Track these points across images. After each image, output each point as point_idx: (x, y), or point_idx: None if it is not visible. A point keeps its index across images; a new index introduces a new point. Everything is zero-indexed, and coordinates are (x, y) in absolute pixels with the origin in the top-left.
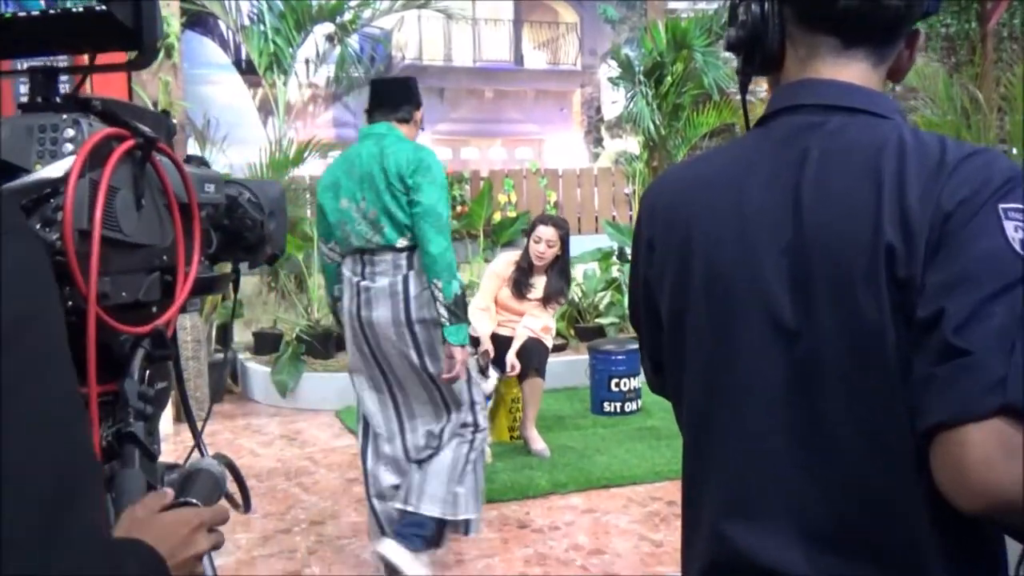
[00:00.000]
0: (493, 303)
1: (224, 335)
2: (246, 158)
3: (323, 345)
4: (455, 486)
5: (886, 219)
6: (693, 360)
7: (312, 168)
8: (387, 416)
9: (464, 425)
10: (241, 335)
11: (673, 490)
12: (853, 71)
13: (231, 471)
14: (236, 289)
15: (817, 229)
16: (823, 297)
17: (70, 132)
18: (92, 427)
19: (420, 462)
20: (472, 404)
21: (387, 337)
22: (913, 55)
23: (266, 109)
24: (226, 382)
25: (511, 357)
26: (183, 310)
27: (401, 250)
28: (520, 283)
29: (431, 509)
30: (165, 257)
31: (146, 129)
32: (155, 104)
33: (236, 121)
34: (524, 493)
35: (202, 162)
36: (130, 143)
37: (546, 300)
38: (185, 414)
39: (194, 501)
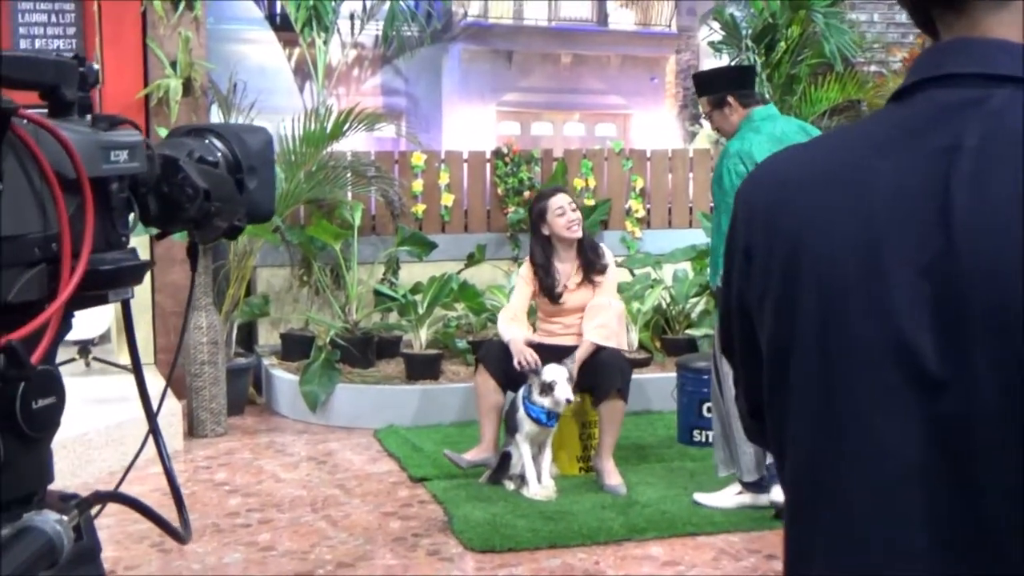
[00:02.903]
0: (524, 314)
1: (246, 336)
2: (278, 129)
3: (361, 352)
4: None
5: None
6: (800, 409)
7: (354, 143)
8: None
9: None
10: (267, 337)
11: (775, 541)
12: (1018, 21)
13: (139, 511)
14: (194, 265)
15: (973, 244)
16: (980, 336)
17: None
18: None
19: None
20: None
21: None
22: None
23: (303, 72)
24: (248, 391)
25: (571, 365)
26: (101, 302)
27: None
28: (550, 284)
29: None
30: (53, 246)
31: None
32: (173, 64)
33: (268, 86)
34: (594, 538)
35: (115, 123)
36: None
37: (588, 267)
38: (145, 412)
39: None
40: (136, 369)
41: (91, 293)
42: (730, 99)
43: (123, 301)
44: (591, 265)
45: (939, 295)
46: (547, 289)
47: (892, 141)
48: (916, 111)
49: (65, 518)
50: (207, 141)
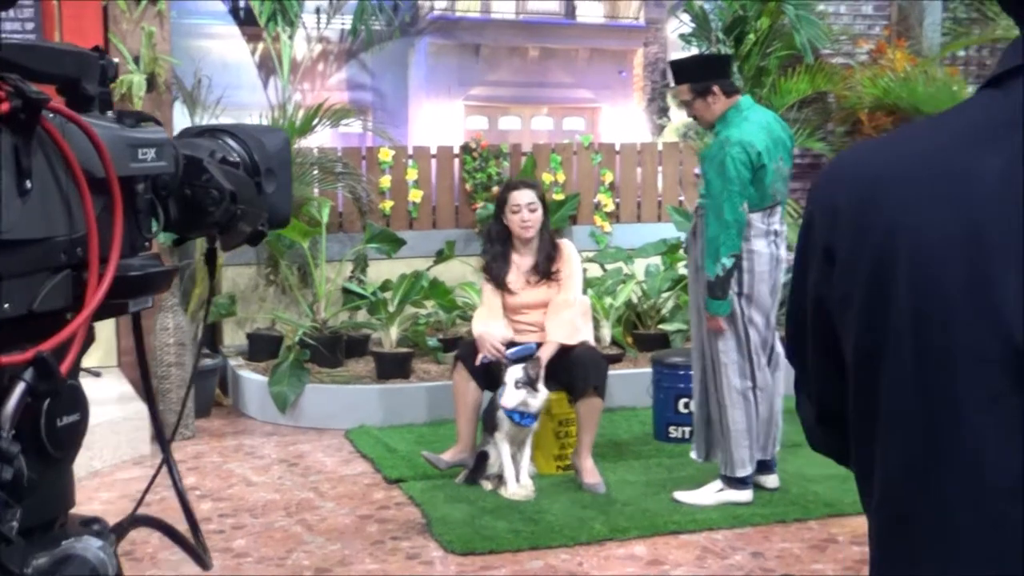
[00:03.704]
0: (499, 312)
1: (211, 337)
2: None
3: (331, 351)
4: None
5: None
6: (892, 423)
7: (320, 139)
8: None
9: None
10: (233, 337)
11: (759, 539)
12: None
13: (169, 536)
14: (213, 272)
15: None
16: None
17: None
18: None
19: None
20: None
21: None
22: None
23: (268, 67)
24: (215, 393)
25: (532, 368)
26: (121, 311)
27: None
28: (498, 272)
29: None
30: (79, 250)
31: (30, 88)
32: (136, 59)
33: (232, 81)
34: (575, 539)
35: (141, 119)
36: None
37: (543, 273)
38: (158, 438)
39: None
40: (148, 393)
41: (113, 301)
42: (715, 88)
43: (136, 313)
44: (546, 271)
45: None
46: (496, 278)
47: (992, 130)
48: (1017, 99)
49: (107, 544)
50: (221, 142)
